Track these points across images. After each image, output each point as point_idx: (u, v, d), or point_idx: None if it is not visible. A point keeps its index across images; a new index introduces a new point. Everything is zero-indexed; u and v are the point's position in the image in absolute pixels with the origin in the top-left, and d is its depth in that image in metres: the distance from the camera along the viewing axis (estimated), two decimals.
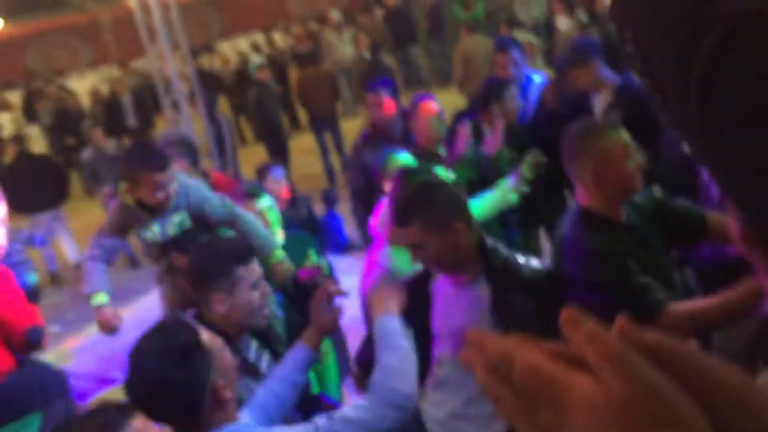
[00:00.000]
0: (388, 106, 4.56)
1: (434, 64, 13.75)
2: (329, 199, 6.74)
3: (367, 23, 14.73)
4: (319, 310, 2.24)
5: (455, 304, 2.29)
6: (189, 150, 5.45)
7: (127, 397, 1.77)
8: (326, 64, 12.22)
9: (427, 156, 3.90)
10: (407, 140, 4.26)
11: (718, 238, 2.43)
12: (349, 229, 6.10)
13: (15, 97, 17.61)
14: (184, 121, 8.68)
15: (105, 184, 7.34)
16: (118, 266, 7.52)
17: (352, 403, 1.93)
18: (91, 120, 10.85)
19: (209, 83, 11.69)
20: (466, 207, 2.27)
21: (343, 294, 2.31)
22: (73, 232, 8.17)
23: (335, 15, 14.34)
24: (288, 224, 3.79)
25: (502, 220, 3.87)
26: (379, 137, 4.44)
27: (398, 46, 13.34)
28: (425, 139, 4.07)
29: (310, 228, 4.79)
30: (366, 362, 2.34)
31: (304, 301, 2.72)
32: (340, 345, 3.65)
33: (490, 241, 2.30)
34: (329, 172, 9.14)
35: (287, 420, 2.08)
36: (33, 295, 5.22)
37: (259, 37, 18.17)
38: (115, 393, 4.87)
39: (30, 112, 15.24)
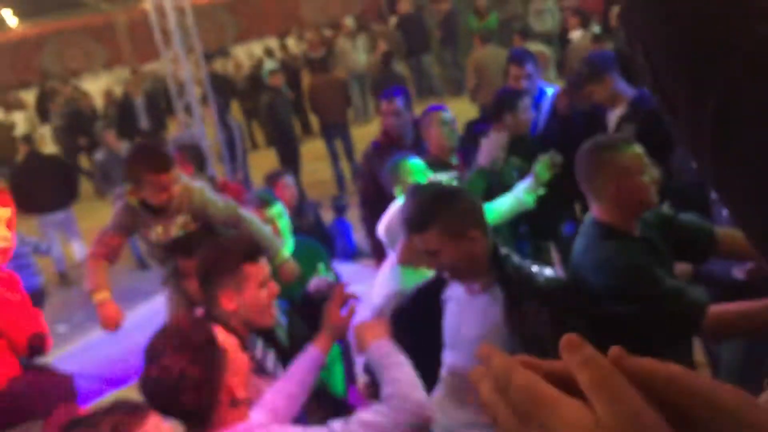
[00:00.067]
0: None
1: (446, 73, 13.76)
2: (339, 206, 6.75)
3: (381, 30, 14.77)
4: (332, 314, 2.25)
5: (468, 312, 2.29)
6: (196, 155, 5.48)
7: (141, 395, 1.78)
8: (338, 70, 12.25)
9: (439, 165, 3.90)
10: (419, 149, 4.26)
11: (727, 254, 2.42)
12: (358, 236, 6.11)
13: (29, 96, 17.75)
14: (197, 124, 8.71)
15: (116, 185, 7.37)
16: (126, 268, 7.56)
17: (368, 409, 1.93)
18: (104, 121, 10.92)
19: (222, 87, 11.74)
20: (483, 215, 2.28)
21: (356, 298, 2.32)
22: (84, 233, 8.20)
23: (349, 22, 14.38)
24: (295, 231, 3.81)
25: (513, 231, 3.86)
26: (390, 145, 4.44)
27: (411, 54, 13.36)
28: (438, 148, 4.07)
29: (318, 234, 4.80)
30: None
31: (311, 313, 2.73)
32: (345, 352, 3.65)
33: (503, 249, 2.30)
34: (339, 179, 9.15)
35: (296, 421, 2.09)
36: (38, 297, 5.25)
37: (273, 43, 18.23)
38: (122, 394, 4.88)
39: (43, 112, 15.34)
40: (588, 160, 2.35)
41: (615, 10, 9.16)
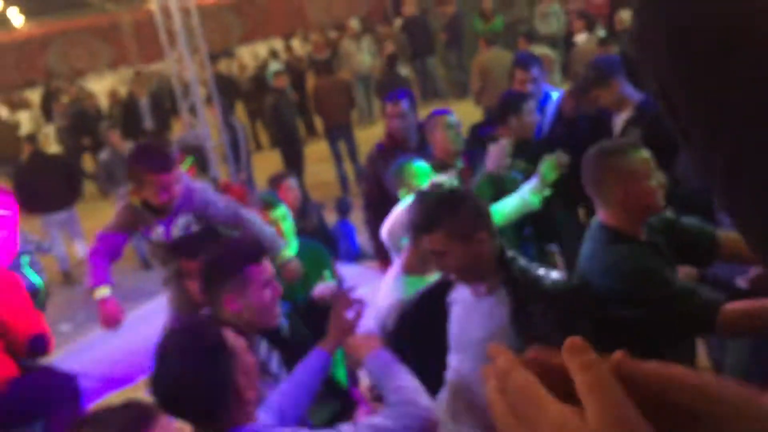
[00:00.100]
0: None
1: (451, 76, 13.76)
2: (342, 208, 6.75)
3: (386, 32, 14.78)
4: (339, 318, 2.25)
5: (474, 315, 2.29)
6: (199, 156, 5.50)
7: (151, 395, 1.78)
8: (343, 72, 12.26)
9: (444, 169, 3.90)
10: (423, 151, 4.25)
11: (729, 257, 2.42)
12: (361, 238, 6.10)
13: (35, 95, 17.79)
14: (201, 125, 8.72)
15: (121, 185, 7.37)
16: (130, 267, 7.56)
17: (377, 414, 1.94)
18: (109, 121, 10.94)
19: (227, 88, 11.75)
20: (490, 218, 2.30)
21: (362, 303, 2.31)
22: (88, 233, 8.21)
23: (354, 23, 14.38)
24: (298, 233, 3.81)
25: (518, 233, 3.85)
26: (394, 148, 4.44)
27: (415, 57, 13.36)
28: (443, 152, 4.07)
29: (321, 236, 4.80)
30: None
31: (313, 319, 2.73)
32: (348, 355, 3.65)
33: (510, 252, 2.30)
34: (342, 181, 9.16)
35: (301, 424, 2.09)
36: (41, 295, 5.26)
37: (278, 44, 18.25)
38: (126, 393, 4.88)
39: (48, 112, 15.37)
40: (595, 165, 2.36)
41: (621, 13, 9.15)
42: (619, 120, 3.93)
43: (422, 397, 1.93)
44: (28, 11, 22.29)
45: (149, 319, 4.97)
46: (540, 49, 8.05)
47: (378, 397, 2.35)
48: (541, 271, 2.30)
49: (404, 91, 4.88)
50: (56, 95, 15.87)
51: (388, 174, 3.75)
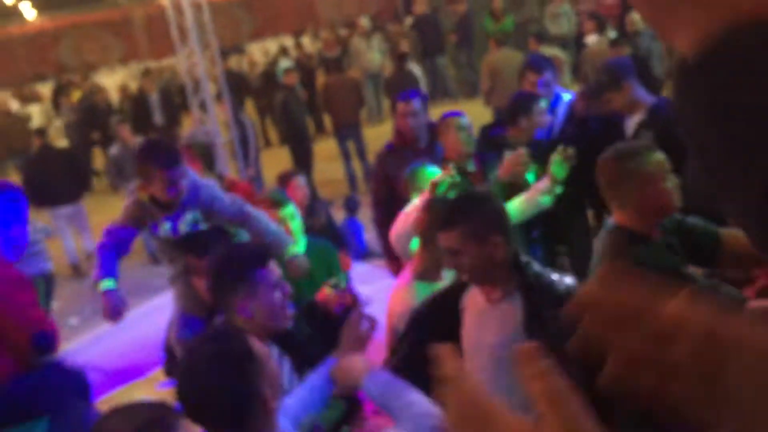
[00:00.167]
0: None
1: (461, 75, 13.74)
2: (350, 206, 6.75)
3: (396, 31, 14.77)
4: (353, 330, 2.21)
5: (487, 320, 2.29)
6: (205, 152, 5.51)
7: (177, 402, 1.77)
8: (353, 70, 12.26)
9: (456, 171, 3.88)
10: (432, 151, 4.25)
11: (731, 254, 2.42)
12: (369, 236, 6.11)
13: (46, 89, 17.86)
14: (211, 121, 8.74)
15: (130, 180, 7.39)
16: (139, 262, 7.59)
17: (393, 428, 1.93)
18: (119, 116, 10.97)
19: (237, 85, 11.77)
20: (507, 222, 2.31)
21: (374, 321, 2.26)
22: (97, 228, 8.23)
23: (364, 21, 14.38)
24: (306, 231, 3.81)
25: (526, 236, 3.84)
26: (403, 147, 4.43)
27: (426, 56, 13.34)
28: (455, 153, 4.06)
29: (329, 234, 4.80)
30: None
31: (322, 321, 2.72)
32: None
33: (524, 257, 2.31)
34: (351, 179, 9.16)
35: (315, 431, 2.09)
36: (49, 282, 5.29)
37: (288, 41, 18.27)
38: (134, 387, 4.90)
39: (59, 105, 15.43)
40: (612, 169, 2.37)
41: (631, 15, 9.11)
42: (632, 123, 3.92)
43: (433, 407, 1.90)
44: (40, 5, 22.38)
45: (157, 313, 4.98)
46: (550, 51, 8.04)
47: None
48: (555, 277, 2.29)
49: (416, 90, 4.87)
50: (67, 89, 15.93)
51: (398, 175, 3.74)
